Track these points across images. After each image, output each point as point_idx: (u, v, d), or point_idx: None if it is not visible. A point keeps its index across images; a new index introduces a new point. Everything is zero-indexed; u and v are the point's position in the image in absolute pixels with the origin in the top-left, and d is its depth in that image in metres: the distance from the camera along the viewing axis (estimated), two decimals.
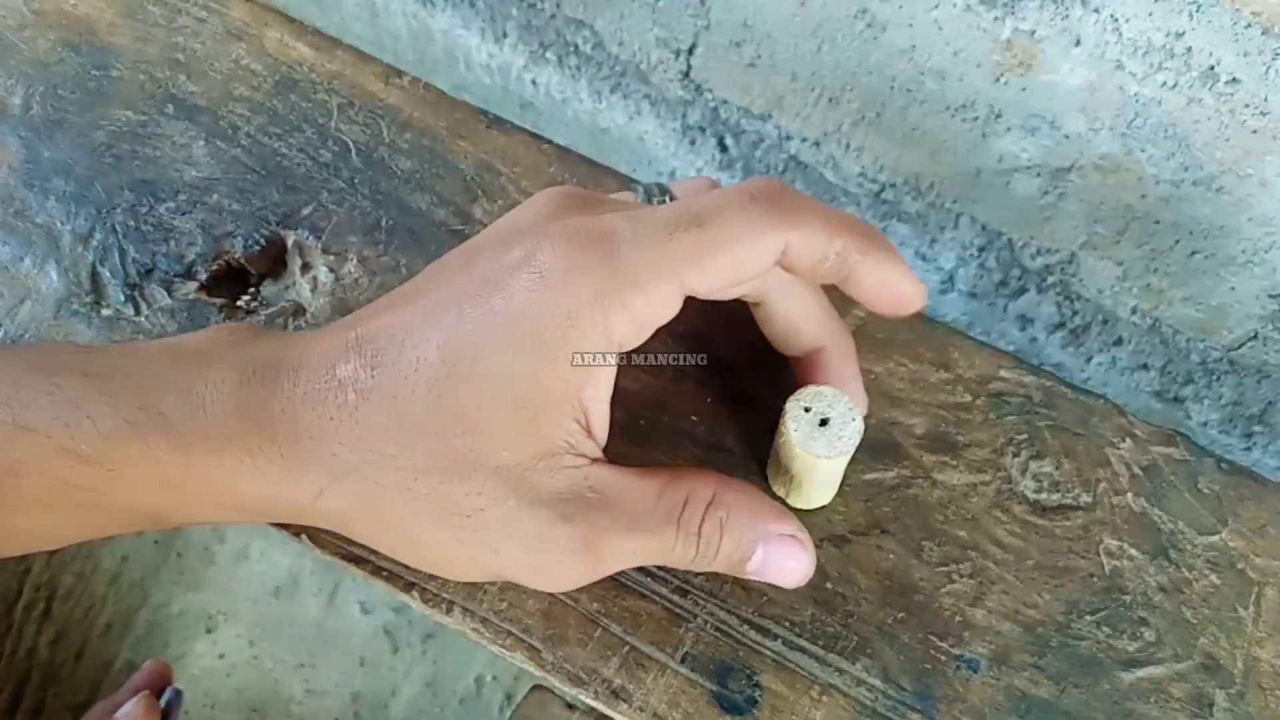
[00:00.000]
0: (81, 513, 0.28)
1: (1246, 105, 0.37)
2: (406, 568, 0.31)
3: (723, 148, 0.55)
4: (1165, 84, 0.38)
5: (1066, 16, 0.38)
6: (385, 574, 0.31)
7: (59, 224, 0.37)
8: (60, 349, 0.29)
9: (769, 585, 0.32)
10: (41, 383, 0.27)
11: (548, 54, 0.57)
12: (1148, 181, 0.42)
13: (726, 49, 0.49)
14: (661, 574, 0.32)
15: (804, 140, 0.51)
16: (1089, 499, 0.34)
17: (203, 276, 0.36)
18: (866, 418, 0.34)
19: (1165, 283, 0.45)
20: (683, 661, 0.31)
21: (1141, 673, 0.31)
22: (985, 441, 0.35)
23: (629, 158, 0.60)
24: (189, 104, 0.40)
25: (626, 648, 0.31)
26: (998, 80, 0.42)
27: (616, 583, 0.32)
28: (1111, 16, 0.37)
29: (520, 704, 0.44)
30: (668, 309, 0.28)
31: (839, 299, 0.32)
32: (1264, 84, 0.36)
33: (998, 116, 0.43)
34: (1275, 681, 0.31)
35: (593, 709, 0.31)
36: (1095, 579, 0.33)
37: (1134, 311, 0.47)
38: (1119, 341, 0.49)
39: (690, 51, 0.50)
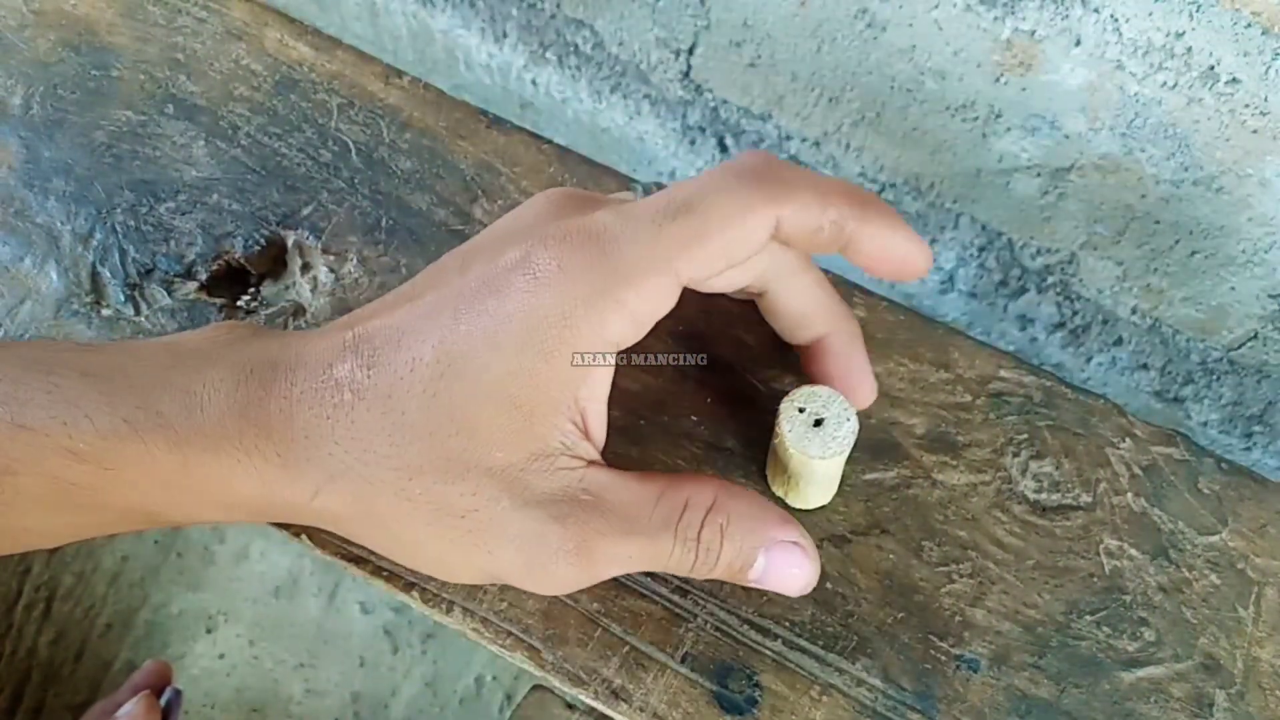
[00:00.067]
0: (79, 511, 0.28)
1: (1246, 105, 0.37)
2: (406, 568, 0.31)
3: (723, 148, 0.55)
4: (1165, 84, 0.38)
5: (1066, 16, 0.38)
6: (385, 574, 0.31)
7: (59, 224, 0.37)
8: (59, 346, 0.29)
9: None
10: (40, 381, 0.27)
11: (548, 54, 0.57)
12: (1148, 181, 0.42)
13: (726, 49, 0.49)
14: (662, 574, 0.32)
15: (804, 140, 0.51)
16: (1089, 499, 0.34)
17: (203, 276, 0.36)
18: (867, 418, 0.34)
19: (1165, 283, 0.45)
20: (683, 661, 0.31)
21: (1141, 673, 0.31)
22: (985, 441, 0.35)
23: (629, 158, 0.60)
24: (189, 104, 0.40)
25: (626, 648, 0.31)
26: (998, 80, 0.42)
27: (616, 582, 0.32)
28: (1111, 16, 0.37)
29: (520, 704, 0.44)
30: (664, 302, 0.28)
31: (839, 292, 0.32)
32: (1264, 84, 0.36)
33: (998, 116, 0.43)
34: (1275, 681, 0.31)
35: (593, 709, 0.31)
36: (1095, 579, 0.33)
37: (1134, 311, 0.47)
38: (1119, 341, 0.49)
39: (690, 51, 0.50)
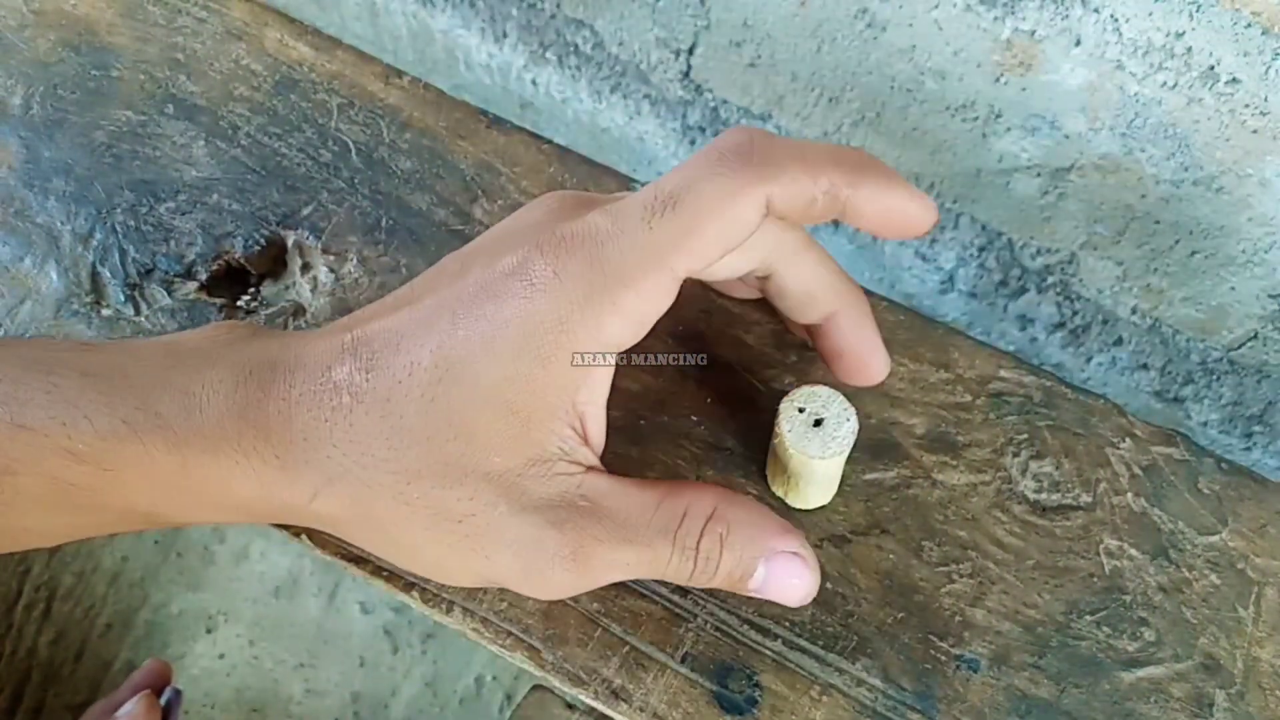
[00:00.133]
0: (79, 511, 0.28)
1: (1246, 105, 0.37)
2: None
3: None
4: (1165, 84, 0.38)
5: (1066, 16, 0.38)
6: (385, 574, 0.31)
7: (59, 224, 0.37)
8: (58, 345, 0.29)
9: None
10: (39, 381, 0.27)
11: (548, 54, 0.57)
12: (1148, 181, 0.42)
13: (726, 49, 0.49)
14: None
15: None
16: (1089, 499, 0.34)
17: (203, 276, 0.36)
18: (867, 418, 0.34)
19: (1165, 283, 0.45)
20: (683, 661, 0.31)
21: (1141, 673, 0.31)
22: (985, 441, 0.35)
23: (629, 158, 0.60)
24: (189, 104, 0.40)
25: (626, 648, 0.31)
26: (998, 80, 0.42)
27: (617, 583, 0.32)
28: (1111, 16, 0.37)
29: (520, 704, 0.44)
30: (663, 300, 0.27)
31: None
32: (1264, 84, 0.36)
33: (998, 116, 0.43)
34: (1275, 681, 0.31)
35: (593, 709, 0.31)
36: (1095, 579, 0.33)
37: (1134, 311, 0.47)
38: (1119, 341, 0.49)
39: (690, 51, 0.50)
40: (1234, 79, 0.36)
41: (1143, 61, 0.38)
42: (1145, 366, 0.50)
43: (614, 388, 0.29)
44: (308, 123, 0.39)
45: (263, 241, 0.37)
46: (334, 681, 0.74)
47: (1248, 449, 0.50)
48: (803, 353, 0.36)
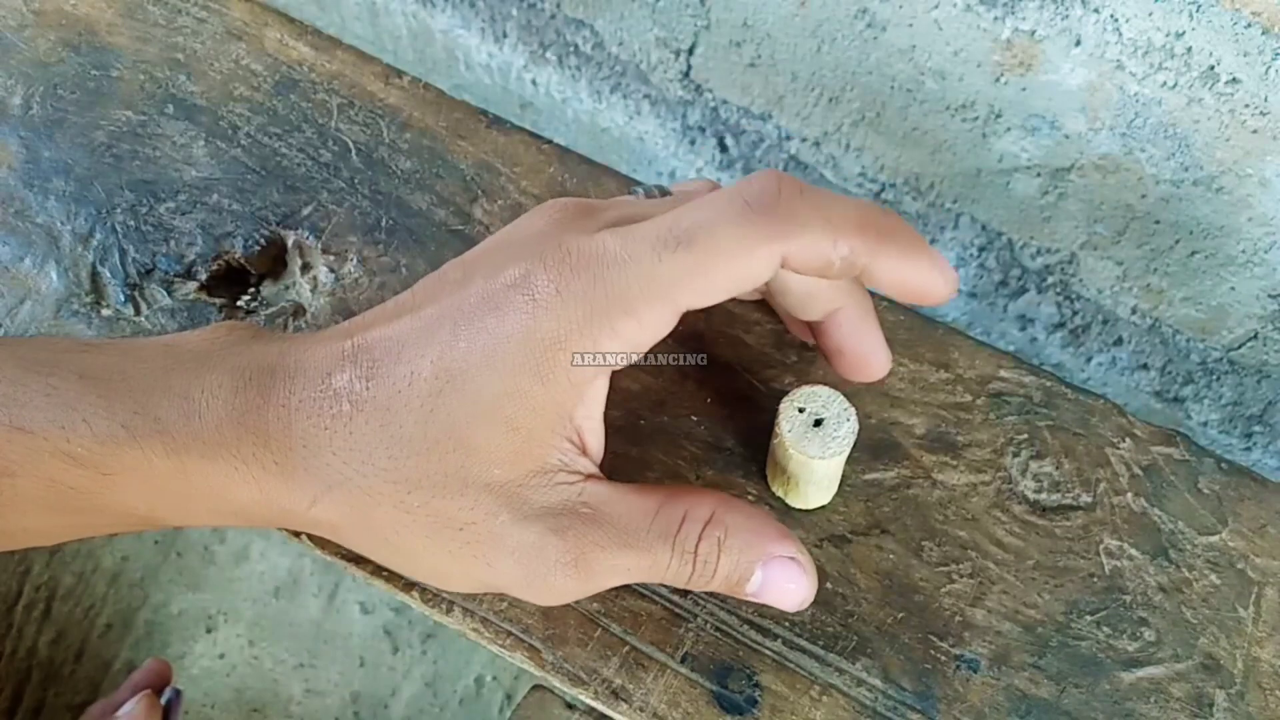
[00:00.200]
0: (76, 512, 0.28)
1: (1246, 105, 0.37)
2: None
3: (723, 148, 0.55)
4: (1165, 84, 0.38)
5: (1066, 16, 0.38)
6: (385, 574, 0.31)
7: (59, 224, 0.37)
8: (58, 345, 0.29)
9: None
10: (38, 383, 0.27)
11: (548, 54, 0.57)
12: (1148, 181, 0.42)
13: (726, 49, 0.49)
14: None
15: (804, 140, 0.51)
16: (1089, 499, 0.34)
17: (203, 276, 0.36)
18: (867, 418, 0.34)
19: (1165, 283, 0.45)
20: (683, 661, 0.31)
21: (1141, 673, 0.31)
22: (985, 441, 0.35)
23: (629, 158, 0.60)
24: (189, 104, 0.40)
25: (626, 648, 0.31)
26: (998, 80, 0.42)
27: None
28: (1111, 16, 0.37)
29: (520, 704, 0.44)
30: (660, 330, 0.27)
31: None
32: (1264, 84, 0.36)
33: (998, 116, 0.43)
34: (1275, 681, 0.31)
35: (593, 709, 0.31)
36: (1095, 579, 0.33)
37: (1134, 311, 0.47)
38: (1119, 341, 0.49)
39: (690, 51, 0.50)
40: (1234, 79, 0.36)
41: (1143, 61, 0.38)
42: (1145, 366, 0.50)
43: (614, 387, 0.29)
44: (308, 123, 0.39)
45: (263, 241, 0.37)
46: (334, 681, 0.74)
47: (1248, 449, 0.50)
48: (803, 353, 0.36)
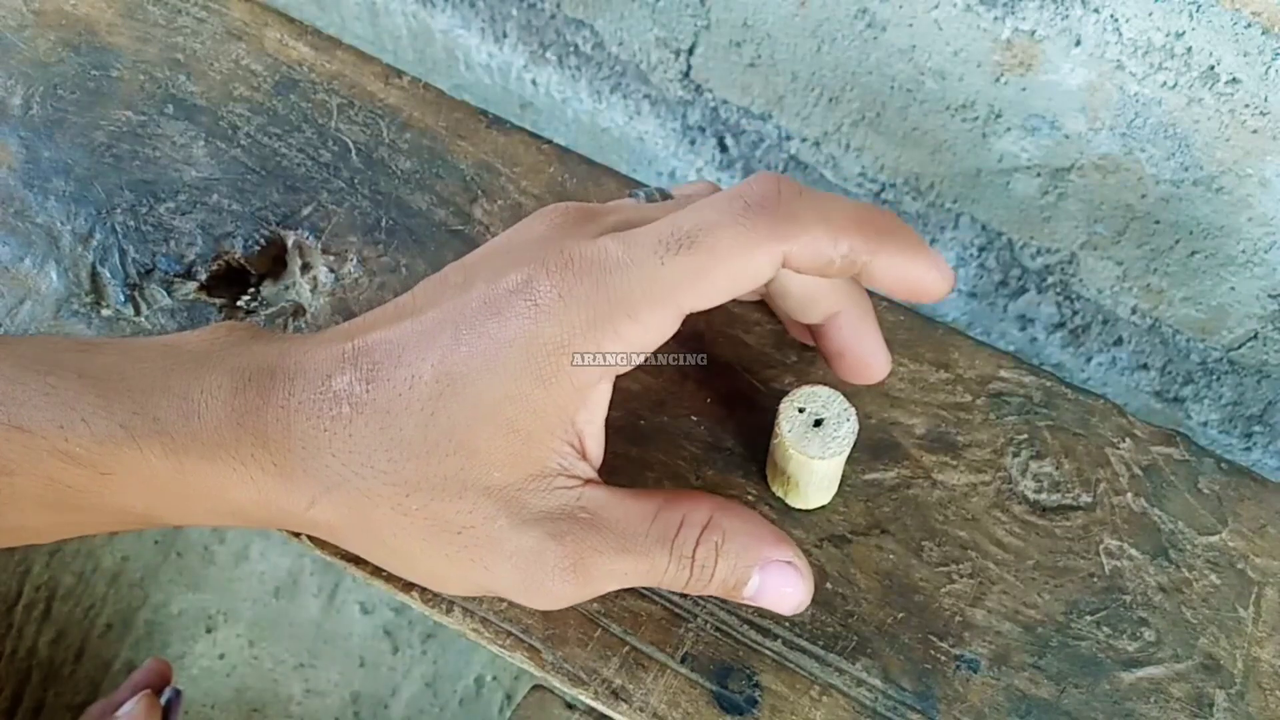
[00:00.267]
0: (75, 511, 0.28)
1: (1246, 105, 0.37)
2: None
3: (723, 148, 0.55)
4: (1165, 84, 0.38)
5: (1066, 16, 0.38)
6: (385, 574, 0.31)
7: (59, 224, 0.37)
8: (57, 344, 0.29)
9: None
10: (37, 382, 0.27)
11: (548, 54, 0.57)
12: (1148, 181, 0.42)
13: (726, 49, 0.49)
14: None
15: (804, 140, 0.51)
16: (1089, 499, 0.34)
17: (203, 276, 0.36)
18: (867, 418, 0.34)
19: (1165, 283, 0.45)
20: (683, 661, 0.31)
21: (1141, 673, 0.31)
22: (985, 441, 0.35)
23: (629, 158, 0.60)
24: (189, 104, 0.40)
25: (626, 648, 0.31)
26: (998, 80, 0.42)
27: None
28: (1111, 16, 0.37)
29: (520, 704, 0.44)
30: (664, 332, 0.27)
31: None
32: (1264, 84, 0.36)
33: (998, 116, 0.43)
34: (1275, 681, 0.31)
35: (593, 709, 0.31)
36: (1095, 579, 0.33)
37: (1134, 311, 0.47)
38: (1119, 341, 0.49)
39: (690, 51, 0.50)
40: (1234, 79, 0.36)
41: (1143, 61, 0.38)
42: (1145, 366, 0.50)
43: (614, 388, 0.29)
44: (308, 123, 0.39)
45: (263, 241, 0.37)
46: (334, 681, 0.74)
47: (1248, 449, 0.50)
48: (803, 353, 0.36)
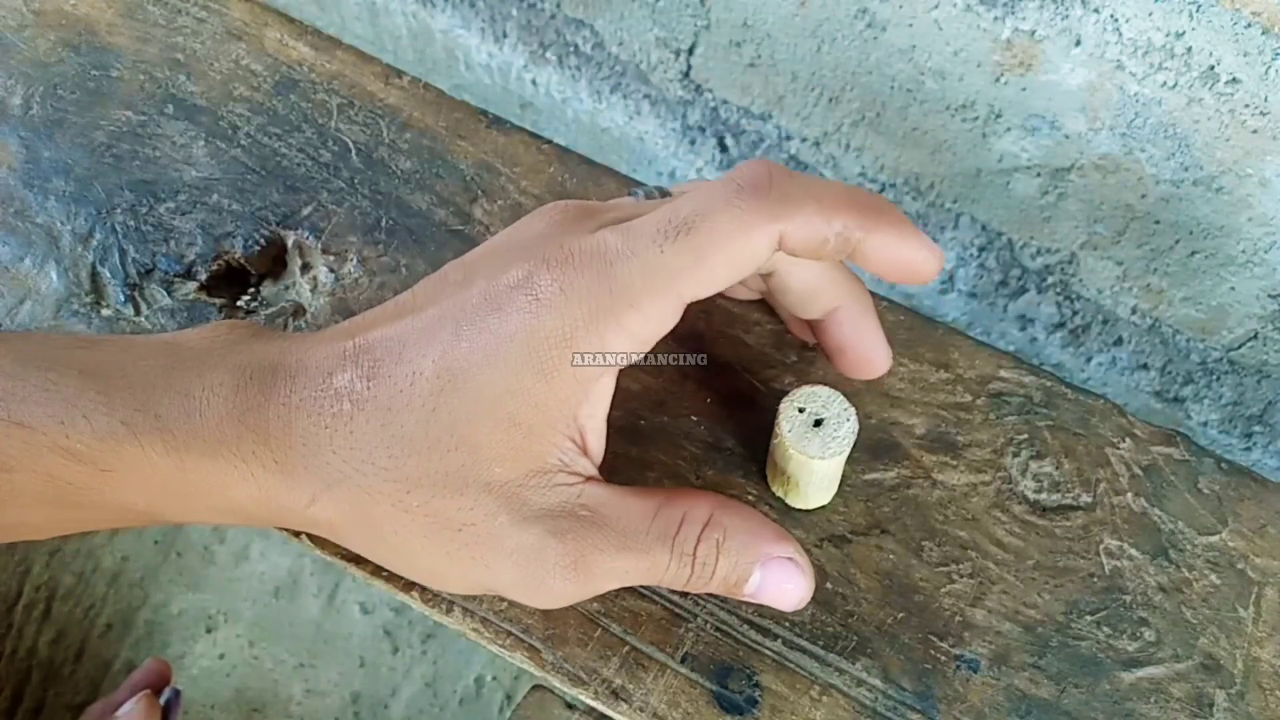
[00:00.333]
0: (75, 507, 0.28)
1: (1246, 105, 0.37)
2: None
3: (723, 148, 0.55)
4: (1165, 84, 0.38)
5: (1066, 16, 0.38)
6: (385, 574, 0.31)
7: (59, 224, 0.37)
8: (57, 341, 0.29)
9: None
10: (37, 378, 0.27)
11: (548, 54, 0.57)
12: (1148, 181, 0.42)
13: (726, 49, 0.49)
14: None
15: (804, 140, 0.51)
16: (1089, 499, 0.34)
17: (203, 276, 0.36)
18: (867, 418, 0.34)
19: (1165, 283, 0.45)
20: (683, 661, 0.31)
21: (1141, 673, 0.31)
22: (985, 441, 0.35)
23: (629, 158, 0.60)
24: (189, 104, 0.40)
25: (626, 648, 0.31)
26: (998, 80, 0.42)
27: None
28: (1111, 16, 0.37)
29: (520, 704, 0.44)
30: (667, 322, 0.27)
31: None
32: (1264, 84, 0.36)
33: (998, 116, 0.43)
34: (1275, 681, 0.31)
35: (593, 709, 0.31)
36: (1095, 579, 0.33)
37: (1134, 311, 0.47)
38: (1119, 341, 0.49)
39: (690, 51, 0.50)
40: (1234, 79, 0.36)
41: (1143, 61, 0.38)
42: (1145, 366, 0.50)
43: (615, 388, 0.29)
44: (308, 123, 0.39)
45: (263, 241, 0.37)
46: (334, 681, 0.74)
47: (1248, 449, 0.50)
48: (803, 353, 0.36)
